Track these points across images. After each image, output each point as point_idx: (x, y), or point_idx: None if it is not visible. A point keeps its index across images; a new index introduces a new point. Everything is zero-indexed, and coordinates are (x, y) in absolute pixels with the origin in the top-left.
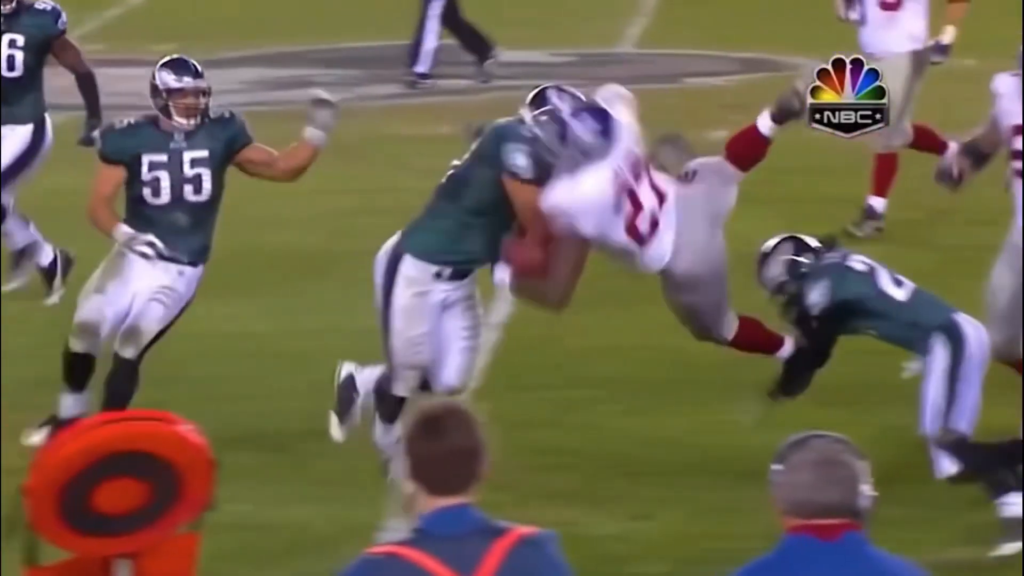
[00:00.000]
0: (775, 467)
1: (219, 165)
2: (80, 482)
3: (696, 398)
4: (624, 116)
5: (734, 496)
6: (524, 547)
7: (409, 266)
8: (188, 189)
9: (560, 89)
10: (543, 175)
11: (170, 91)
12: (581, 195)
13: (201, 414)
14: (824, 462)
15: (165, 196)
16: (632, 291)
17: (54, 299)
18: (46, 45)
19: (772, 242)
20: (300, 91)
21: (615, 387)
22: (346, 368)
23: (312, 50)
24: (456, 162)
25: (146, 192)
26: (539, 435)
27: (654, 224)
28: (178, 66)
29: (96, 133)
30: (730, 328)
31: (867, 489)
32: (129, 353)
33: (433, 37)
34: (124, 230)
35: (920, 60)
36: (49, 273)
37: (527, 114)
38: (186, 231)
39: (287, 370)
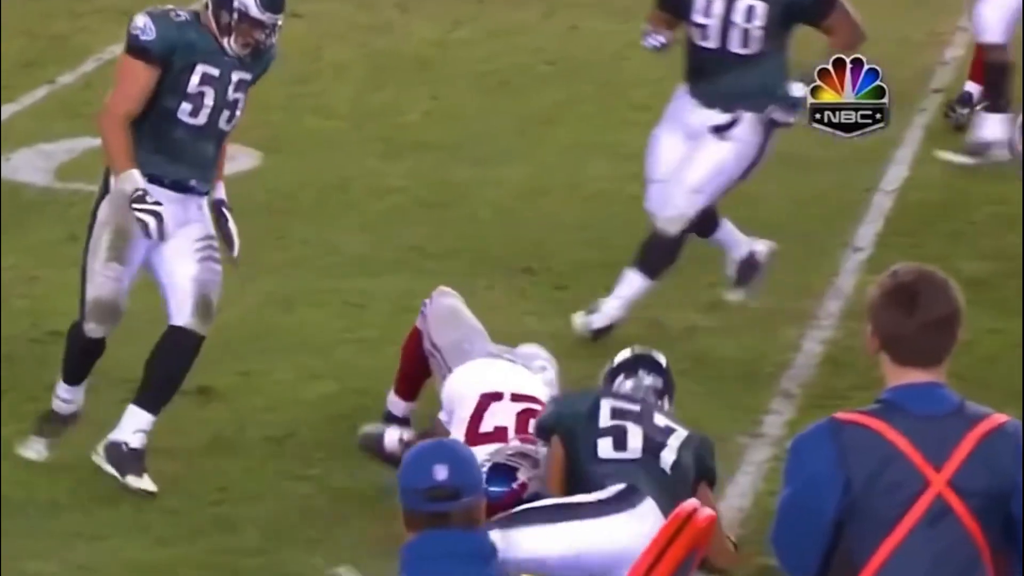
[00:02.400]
0: None
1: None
2: None
3: None
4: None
5: None
6: (998, 437)
7: None
8: (224, 116)
9: None
10: None
11: (245, 17)
12: None
13: None
14: None
15: (203, 118)
16: None
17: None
18: None
19: None
20: None
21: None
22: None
23: None
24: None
25: (184, 108)
26: None
27: None
28: None
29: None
30: None
31: None
32: (204, 330)
33: None
34: (137, 180)
35: None
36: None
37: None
38: (207, 162)
39: None
